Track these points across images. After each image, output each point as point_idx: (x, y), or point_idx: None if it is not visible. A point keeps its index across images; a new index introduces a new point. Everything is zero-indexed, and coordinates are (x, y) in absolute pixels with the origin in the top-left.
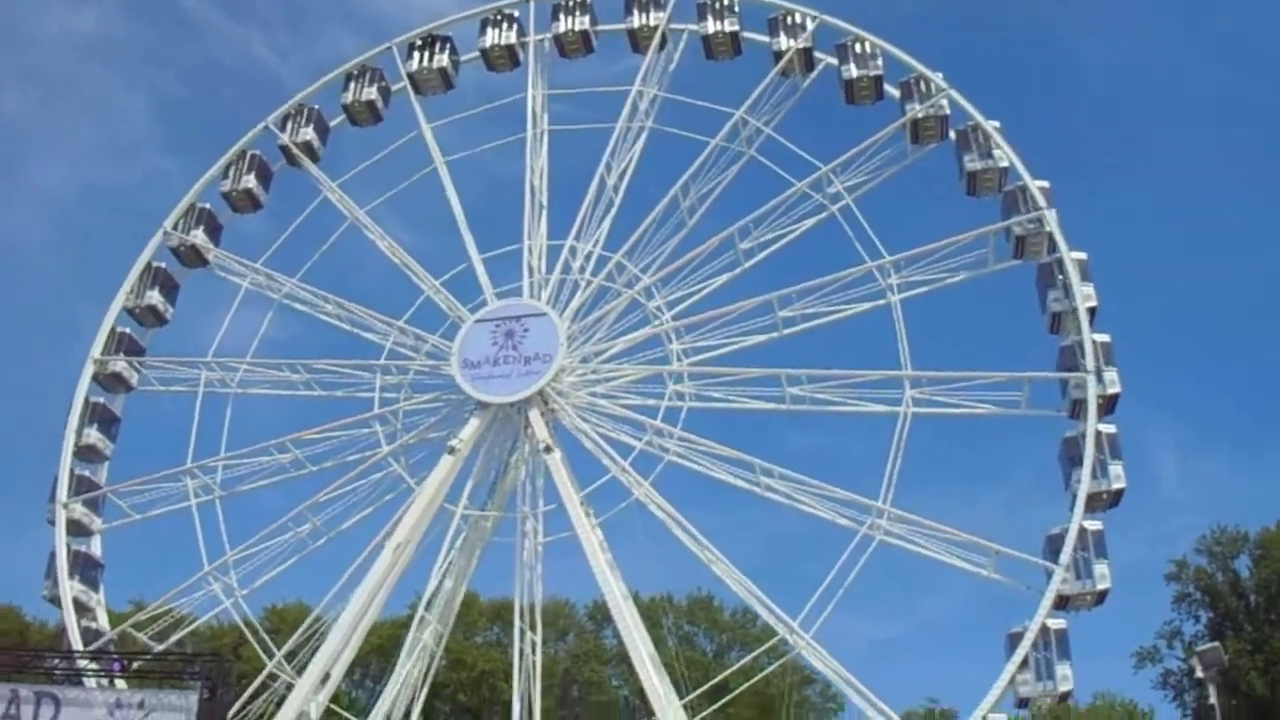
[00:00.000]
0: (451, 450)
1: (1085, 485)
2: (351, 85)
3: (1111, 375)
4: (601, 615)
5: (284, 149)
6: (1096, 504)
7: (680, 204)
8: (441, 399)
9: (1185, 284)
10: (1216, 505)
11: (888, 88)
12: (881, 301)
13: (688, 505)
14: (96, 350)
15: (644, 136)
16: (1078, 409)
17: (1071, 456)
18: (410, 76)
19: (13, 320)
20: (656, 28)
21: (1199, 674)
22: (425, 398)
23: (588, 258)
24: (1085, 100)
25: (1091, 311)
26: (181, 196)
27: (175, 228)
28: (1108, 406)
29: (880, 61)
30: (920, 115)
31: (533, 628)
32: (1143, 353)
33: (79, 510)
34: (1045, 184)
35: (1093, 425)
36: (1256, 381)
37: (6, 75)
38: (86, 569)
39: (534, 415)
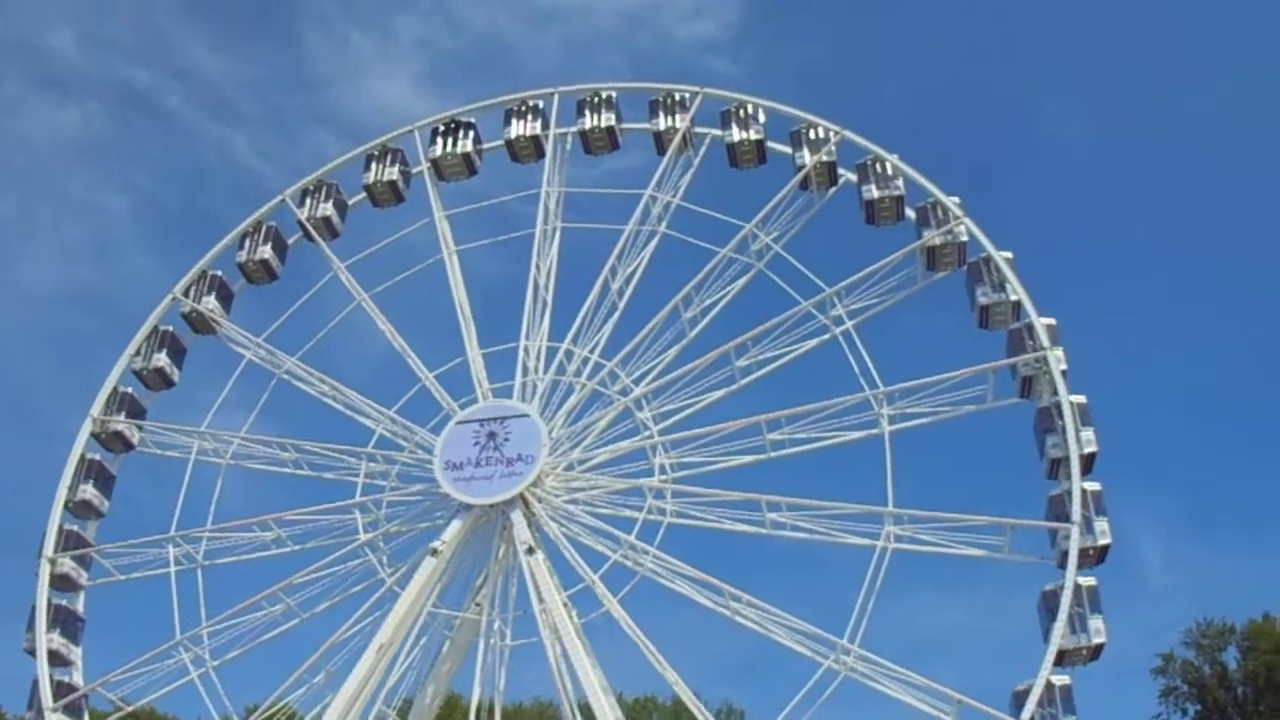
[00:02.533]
0: (434, 552)
1: (1056, 643)
2: (373, 165)
3: (1102, 526)
4: (587, 717)
5: (301, 224)
6: (1075, 659)
7: (681, 314)
8: (426, 492)
9: (1172, 371)
10: (1203, 594)
11: (907, 209)
12: (874, 431)
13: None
14: (97, 409)
15: (654, 242)
16: (1065, 559)
17: (1050, 609)
18: (434, 161)
19: None
20: (680, 130)
21: None
22: (408, 490)
23: (584, 361)
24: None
25: (1090, 457)
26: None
27: (186, 294)
28: (1098, 556)
29: (901, 182)
30: (937, 242)
31: None
32: (1128, 440)
33: (68, 565)
34: (1052, 321)
35: (1071, 580)
36: (1244, 470)
37: None
38: (68, 623)
39: (516, 516)
